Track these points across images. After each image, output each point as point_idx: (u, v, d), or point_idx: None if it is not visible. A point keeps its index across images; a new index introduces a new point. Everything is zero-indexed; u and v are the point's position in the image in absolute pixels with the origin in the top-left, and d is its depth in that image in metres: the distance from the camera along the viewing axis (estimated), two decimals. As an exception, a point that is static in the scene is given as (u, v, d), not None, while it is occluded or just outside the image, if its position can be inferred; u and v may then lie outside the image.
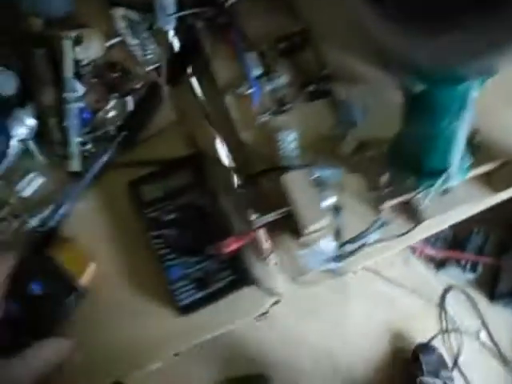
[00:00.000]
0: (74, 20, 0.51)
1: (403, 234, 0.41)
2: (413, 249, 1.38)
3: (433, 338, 1.32)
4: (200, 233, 0.45)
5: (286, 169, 0.43)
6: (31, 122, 0.47)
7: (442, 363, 1.24)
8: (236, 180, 0.47)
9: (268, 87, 0.47)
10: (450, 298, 1.36)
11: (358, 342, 1.32)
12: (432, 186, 0.38)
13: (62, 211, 0.47)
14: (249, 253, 0.45)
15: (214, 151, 0.49)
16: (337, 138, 0.46)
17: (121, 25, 0.53)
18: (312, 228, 0.38)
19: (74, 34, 0.49)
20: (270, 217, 0.40)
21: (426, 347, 1.24)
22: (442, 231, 1.29)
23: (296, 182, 0.39)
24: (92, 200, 0.48)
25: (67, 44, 0.48)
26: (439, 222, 0.43)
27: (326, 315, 1.34)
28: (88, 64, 0.52)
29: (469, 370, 1.29)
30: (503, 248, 1.29)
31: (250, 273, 0.43)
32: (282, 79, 0.48)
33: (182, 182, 0.46)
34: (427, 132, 0.35)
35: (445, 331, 1.33)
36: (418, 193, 0.39)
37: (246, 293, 0.44)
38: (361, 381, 1.29)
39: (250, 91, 0.47)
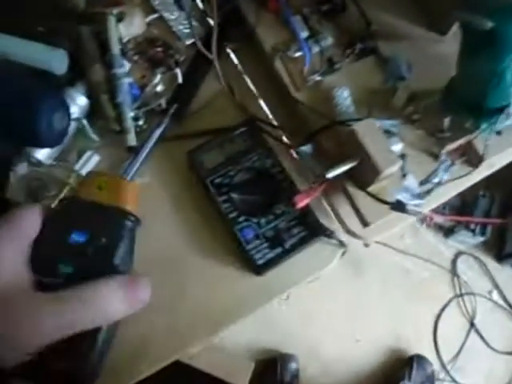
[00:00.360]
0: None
1: (469, 173, 0.43)
2: (421, 219, 1.43)
3: (448, 304, 1.37)
4: (266, 193, 0.46)
5: (344, 123, 0.45)
6: (82, 100, 0.47)
7: (430, 381, 1.25)
8: (289, 141, 0.48)
9: (315, 49, 0.48)
10: (461, 263, 1.41)
11: (375, 316, 1.35)
12: (494, 123, 0.40)
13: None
14: (315, 208, 0.46)
15: (267, 116, 0.50)
16: (388, 92, 0.48)
17: (157, 0, 0.54)
18: (387, 172, 0.39)
19: (116, 10, 0.49)
20: (340, 168, 0.41)
21: (424, 360, 1.26)
22: (449, 199, 1.33)
23: (367, 131, 0.40)
24: (150, 175, 0.49)
25: (112, 20, 0.48)
26: (500, 159, 0.45)
27: (341, 293, 1.36)
28: (129, 41, 0.52)
29: (485, 329, 1.34)
30: (508, 209, 1.34)
31: (321, 225, 0.44)
32: (328, 40, 0.49)
33: (241, 147, 0.47)
34: (491, 69, 0.37)
35: (459, 295, 1.37)
36: (480, 133, 0.41)
37: (316, 248, 0.46)
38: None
39: (298, 53, 0.48)
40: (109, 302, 0.28)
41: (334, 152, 0.45)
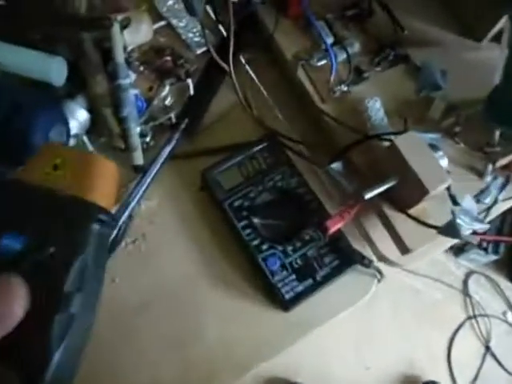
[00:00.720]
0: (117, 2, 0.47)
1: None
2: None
3: (461, 326, 1.31)
4: (292, 217, 0.40)
5: (380, 137, 0.40)
6: (83, 114, 0.42)
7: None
8: (314, 158, 0.43)
9: (341, 56, 0.44)
10: (472, 283, 1.35)
11: (385, 341, 1.29)
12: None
13: (127, 212, 0.41)
14: (347, 233, 0.40)
15: (287, 130, 0.45)
16: (422, 102, 0.43)
17: (165, 6, 0.49)
18: (435, 192, 0.34)
19: (121, 16, 0.44)
20: (379, 188, 0.36)
21: None
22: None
23: (409, 145, 0.35)
24: (158, 197, 0.43)
25: (116, 27, 0.43)
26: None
27: (349, 318, 1.30)
28: (134, 50, 0.47)
29: (501, 353, 1.27)
30: (520, 226, 1.29)
31: (357, 253, 0.39)
32: (355, 47, 0.45)
33: (262, 165, 0.42)
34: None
35: (472, 317, 1.32)
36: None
37: (350, 278, 0.40)
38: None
39: (323, 62, 0.44)
40: None
41: (368, 170, 0.40)
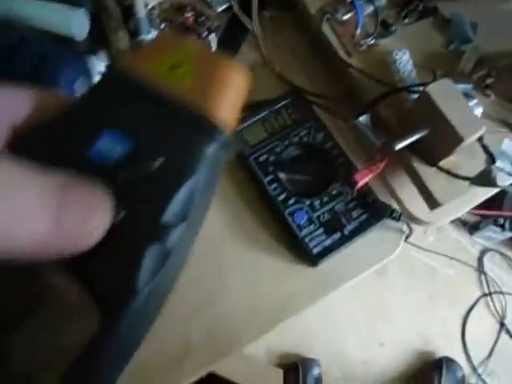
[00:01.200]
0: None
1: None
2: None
3: (475, 303, 1.30)
4: (319, 171, 0.40)
5: (410, 89, 0.39)
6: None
7: None
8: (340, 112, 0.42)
9: (368, 9, 0.43)
10: (488, 261, 1.34)
11: (399, 318, 1.29)
12: None
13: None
14: (375, 188, 0.40)
15: (310, 86, 0.44)
16: (451, 56, 0.42)
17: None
18: (470, 140, 0.33)
19: (141, -30, 0.43)
20: (409, 138, 0.35)
21: (454, 363, 1.19)
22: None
23: (443, 93, 0.34)
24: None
25: (137, -20, 0.42)
26: None
27: (363, 294, 1.30)
28: (154, 8, 0.46)
29: (517, 330, 1.27)
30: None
31: (386, 206, 0.38)
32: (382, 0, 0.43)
33: (287, 120, 0.41)
34: None
35: (487, 294, 1.31)
36: None
37: (377, 233, 0.40)
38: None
39: (348, 15, 0.43)
40: (23, 212, 0.12)
41: (396, 123, 0.39)
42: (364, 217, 0.38)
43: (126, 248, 0.14)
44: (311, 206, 0.38)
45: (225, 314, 0.39)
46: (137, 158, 0.15)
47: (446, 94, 0.34)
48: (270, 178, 0.39)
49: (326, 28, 0.43)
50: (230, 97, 0.16)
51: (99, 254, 0.13)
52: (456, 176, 0.36)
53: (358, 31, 0.42)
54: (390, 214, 0.38)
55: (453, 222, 1.37)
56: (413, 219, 0.42)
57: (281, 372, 0.97)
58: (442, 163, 0.38)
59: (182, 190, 0.14)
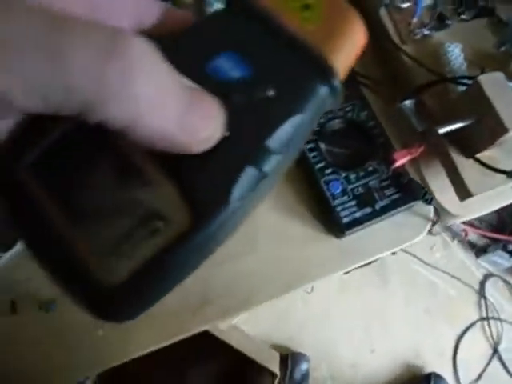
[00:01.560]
0: None
1: None
2: (453, 234, 1.37)
3: (472, 325, 1.30)
4: (358, 147, 0.41)
5: (458, 80, 0.40)
6: None
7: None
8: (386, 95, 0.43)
9: (427, 1, 0.44)
10: (490, 286, 1.34)
11: (394, 328, 1.29)
12: None
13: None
14: (410, 171, 0.41)
15: (361, 67, 0.46)
16: (502, 57, 0.43)
17: None
18: (514, 132, 0.34)
19: None
20: (454, 124, 0.37)
21: (442, 380, 1.20)
22: (487, 215, 1.28)
23: (493, 84, 0.35)
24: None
25: None
26: None
27: (362, 299, 1.31)
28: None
29: (509, 358, 1.27)
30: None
31: (421, 188, 0.39)
32: (442, -7, 0.44)
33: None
34: None
35: (485, 318, 1.31)
36: None
37: (405, 215, 0.41)
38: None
39: (407, 4, 0.44)
40: (160, 101, 0.12)
41: (440, 112, 0.40)
42: (396, 196, 0.39)
43: (228, 162, 0.15)
44: (347, 178, 0.39)
45: (245, 272, 0.40)
46: (251, 84, 0.15)
47: (496, 85, 0.35)
48: (310, 145, 0.40)
49: (383, 12, 0.44)
50: (348, 49, 0.17)
51: (201, 163, 0.14)
52: (492, 169, 0.37)
53: (415, 20, 0.43)
54: (422, 195, 0.39)
55: (460, 242, 1.37)
56: (441, 210, 0.43)
57: (277, 355, 0.98)
58: (478, 155, 0.39)
59: (288, 121, 0.15)
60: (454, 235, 1.37)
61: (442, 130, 0.36)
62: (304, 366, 1.21)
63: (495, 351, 1.27)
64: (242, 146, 0.15)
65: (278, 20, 0.16)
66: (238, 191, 0.14)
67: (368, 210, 0.39)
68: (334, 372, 1.24)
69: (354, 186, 0.39)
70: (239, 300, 0.39)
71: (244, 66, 0.15)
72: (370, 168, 0.40)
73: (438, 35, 0.44)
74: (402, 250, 1.49)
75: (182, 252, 0.14)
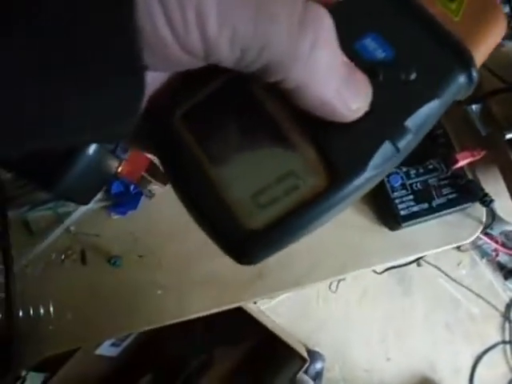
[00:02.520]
0: None
1: None
2: (482, 253, 1.35)
3: (492, 347, 1.28)
4: (419, 145, 0.42)
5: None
6: None
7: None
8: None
9: (504, 9, 0.45)
10: (516, 310, 1.32)
11: (412, 340, 1.29)
12: None
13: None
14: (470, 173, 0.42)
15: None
16: None
17: None
18: None
19: None
20: (521, 132, 0.38)
21: None
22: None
23: None
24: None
25: None
26: None
27: (384, 307, 1.31)
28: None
29: (528, 384, 1.24)
30: None
31: (480, 189, 0.40)
32: (518, 4, 0.45)
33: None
34: None
35: (507, 342, 1.29)
36: None
37: (459, 216, 0.42)
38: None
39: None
40: (325, 71, 0.14)
41: (504, 120, 0.41)
42: (453, 195, 0.40)
43: (369, 135, 0.16)
44: (407, 173, 0.41)
45: (300, 252, 0.42)
46: (395, 65, 0.16)
47: None
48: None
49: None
50: (489, 43, 0.18)
51: (343, 132, 0.16)
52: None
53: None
54: (482, 197, 0.40)
55: (489, 262, 1.35)
56: (493, 216, 0.44)
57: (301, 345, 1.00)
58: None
59: (427, 105, 0.16)
60: (484, 254, 1.36)
61: (509, 135, 0.37)
62: (319, 365, 1.22)
63: (514, 376, 1.25)
64: (383, 122, 0.16)
65: (424, 7, 0.17)
66: (374, 162, 0.16)
67: (425, 205, 0.40)
68: (347, 375, 1.25)
69: (413, 181, 0.41)
70: (291, 278, 0.41)
71: (388, 48, 0.17)
72: (430, 166, 0.41)
73: (511, 45, 0.44)
74: (428, 263, 1.48)
75: (314, 210, 0.15)
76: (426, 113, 0.16)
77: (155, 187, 0.41)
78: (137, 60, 0.11)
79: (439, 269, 1.34)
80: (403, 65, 0.16)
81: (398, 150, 0.16)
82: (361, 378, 1.24)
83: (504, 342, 1.29)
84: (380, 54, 0.17)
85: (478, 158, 0.40)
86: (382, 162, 0.16)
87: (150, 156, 0.40)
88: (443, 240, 0.42)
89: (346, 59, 0.15)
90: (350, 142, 0.16)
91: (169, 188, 0.36)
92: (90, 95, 0.12)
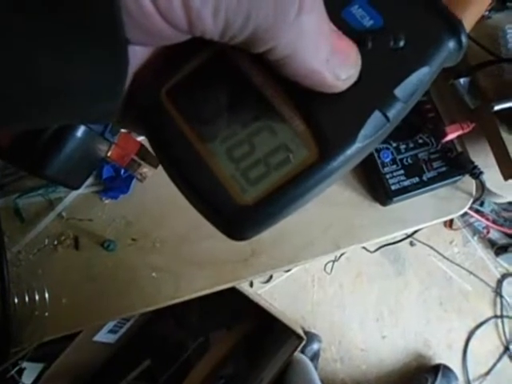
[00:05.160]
0: None
1: None
2: (474, 231, 1.37)
3: (485, 322, 1.31)
4: (409, 120, 0.42)
5: (510, 61, 0.41)
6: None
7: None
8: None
9: (489, -18, 0.45)
10: (507, 285, 1.34)
11: (407, 317, 1.31)
12: None
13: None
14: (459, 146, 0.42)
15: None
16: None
17: None
18: None
19: None
20: (508, 103, 0.38)
21: (450, 372, 1.22)
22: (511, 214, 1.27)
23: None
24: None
25: None
26: None
27: (378, 287, 1.33)
28: None
29: (519, 356, 1.28)
30: None
31: (469, 162, 0.41)
32: (505, -24, 0.45)
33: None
34: None
35: (499, 316, 1.32)
36: None
37: (448, 190, 0.42)
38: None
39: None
40: (315, 40, 0.14)
41: (492, 92, 0.41)
42: (444, 169, 0.41)
43: (358, 105, 0.16)
44: (397, 148, 0.41)
45: (292, 231, 0.42)
46: (383, 33, 0.16)
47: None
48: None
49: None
50: (476, 9, 0.18)
51: (332, 103, 0.15)
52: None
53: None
54: (471, 169, 0.40)
55: (481, 239, 1.38)
56: (483, 189, 0.44)
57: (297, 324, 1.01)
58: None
59: (416, 72, 0.16)
60: (475, 232, 1.38)
61: (497, 107, 0.37)
62: (316, 346, 1.24)
63: (506, 349, 1.28)
64: (371, 91, 0.16)
65: None
66: (364, 132, 0.15)
67: (416, 179, 0.40)
68: (343, 354, 1.27)
69: (404, 156, 0.41)
70: (285, 256, 0.42)
71: (376, 16, 0.16)
72: (420, 140, 0.41)
73: (498, 17, 0.44)
74: (420, 242, 1.49)
75: (306, 183, 0.15)
76: (416, 81, 0.16)
77: (146, 170, 0.41)
78: (119, 32, 0.11)
79: (432, 247, 1.35)
80: (391, 32, 0.16)
81: (388, 119, 0.16)
82: (357, 356, 1.27)
83: (496, 317, 1.32)
84: (368, 22, 0.16)
85: (467, 131, 0.40)
86: (372, 132, 0.16)
87: (139, 139, 0.39)
88: (434, 214, 0.43)
89: (333, 27, 0.14)
90: (339, 112, 0.16)
91: (160, 170, 0.36)
92: (72, 68, 0.11)
